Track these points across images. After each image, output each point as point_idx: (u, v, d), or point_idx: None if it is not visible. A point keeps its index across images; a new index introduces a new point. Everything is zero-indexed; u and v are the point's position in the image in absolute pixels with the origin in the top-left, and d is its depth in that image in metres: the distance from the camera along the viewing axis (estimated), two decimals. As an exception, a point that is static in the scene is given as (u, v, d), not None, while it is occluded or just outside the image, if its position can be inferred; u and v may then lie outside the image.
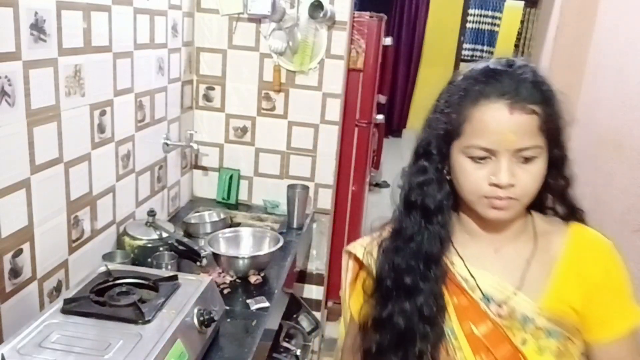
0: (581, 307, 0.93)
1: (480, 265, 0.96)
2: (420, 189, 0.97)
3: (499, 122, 0.86)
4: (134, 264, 1.61)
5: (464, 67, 0.98)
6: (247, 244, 1.91)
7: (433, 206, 0.96)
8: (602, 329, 0.94)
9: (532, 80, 0.88)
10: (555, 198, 0.99)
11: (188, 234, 2.02)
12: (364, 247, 1.05)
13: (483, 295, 0.94)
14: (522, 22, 6.97)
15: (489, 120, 0.86)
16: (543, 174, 0.90)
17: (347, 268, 1.10)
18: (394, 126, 7.50)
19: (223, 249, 1.84)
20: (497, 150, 0.87)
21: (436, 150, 0.95)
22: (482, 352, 0.93)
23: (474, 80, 0.90)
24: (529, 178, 0.88)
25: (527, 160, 0.87)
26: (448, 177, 0.95)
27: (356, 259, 1.07)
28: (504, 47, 8.52)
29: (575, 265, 0.94)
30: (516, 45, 7.14)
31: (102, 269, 1.35)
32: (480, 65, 0.94)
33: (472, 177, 0.89)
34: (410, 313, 0.95)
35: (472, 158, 0.89)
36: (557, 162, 0.93)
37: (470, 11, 8.37)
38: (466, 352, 0.93)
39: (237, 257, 1.75)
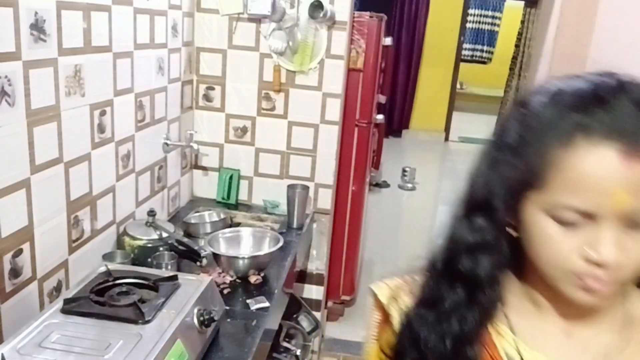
0: None
1: (537, 348, 0.69)
2: (471, 255, 0.70)
3: (605, 175, 0.57)
4: (134, 264, 1.61)
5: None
6: (247, 244, 1.91)
7: (485, 277, 0.69)
8: None
9: None
10: None
11: (188, 234, 2.02)
12: (391, 290, 0.80)
13: None
14: (522, 22, 6.98)
15: (590, 172, 0.58)
16: None
17: (372, 309, 0.84)
18: (394, 126, 7.51)
19: (223, 249, 1.84)
20: (598, 215, 0.59)
21: (502, 204, 0.67)
22: None
23: (565, 107, 0.61)
24: None
25: (638, 225, 0.60)
26: (514, 234, 0.69)
27: (381, 307, 0.81)
28: (504, 47, 8.54)
29: None
30: (516, 45, 7.16)
31: (102, 269, 1.35)
32: (573, 83, 0.63)
33: (557, 247, 0.62)
34: None
35: (560, 221, 0.61)
36: None
37: (470, 11, 8.39)
38: None
39: (237, 257, 1.75)
